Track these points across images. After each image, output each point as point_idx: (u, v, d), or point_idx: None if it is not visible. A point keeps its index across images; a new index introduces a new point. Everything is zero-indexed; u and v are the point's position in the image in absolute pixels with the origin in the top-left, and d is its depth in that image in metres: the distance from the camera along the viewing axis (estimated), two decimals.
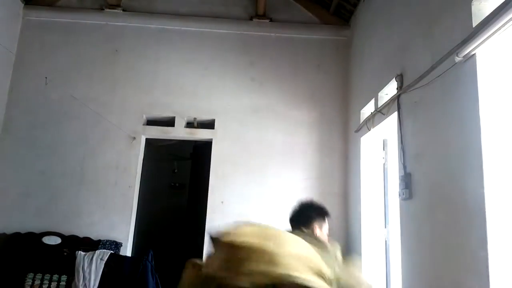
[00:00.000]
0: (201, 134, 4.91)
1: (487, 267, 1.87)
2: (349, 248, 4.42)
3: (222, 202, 4.65)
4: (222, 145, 4.82)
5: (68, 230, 4.35)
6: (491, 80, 2.08)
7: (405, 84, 2.98)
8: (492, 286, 1.85)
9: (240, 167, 4.73)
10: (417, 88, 2.76)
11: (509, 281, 1.86)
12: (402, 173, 2.91)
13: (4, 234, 4.26)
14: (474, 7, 2.16)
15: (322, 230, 2.12)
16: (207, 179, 4.75)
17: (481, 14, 2.11)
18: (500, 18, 1.86)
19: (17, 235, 4.14)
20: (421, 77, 2.69)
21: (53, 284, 2.20)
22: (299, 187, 4.70)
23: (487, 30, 1.95)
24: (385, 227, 3.70)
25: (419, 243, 2.66)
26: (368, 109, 3.99)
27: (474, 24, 2.12)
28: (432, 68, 2.54)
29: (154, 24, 5.10)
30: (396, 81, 3.12)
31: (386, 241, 3.65)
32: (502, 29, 1.90)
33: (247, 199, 4.67)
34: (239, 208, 4.62)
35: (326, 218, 2.21)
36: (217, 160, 4.76)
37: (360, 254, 3.97)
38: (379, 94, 3.59)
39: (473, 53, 2.12)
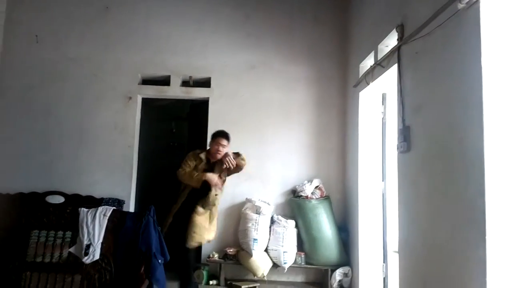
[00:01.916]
0: (198, 93, 4.85)
1: (484, 214, 1.90)
2: (347, 201, 4.52)
3: None
4: (219, 104, 4.78)
5: (70, 189, 4.41)
6: (495, 28, 2.02)
7: (406, 34, 2.90)
8: (488, 233, 1.89)
9: (238, 125, 4.71)
10: (418, 38, 2.69)
11: (505, 229, 1.90)
12: (401, 126, 2.90)
13: (8, 194, 4.31)
14: None
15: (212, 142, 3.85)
16: (205, 138, 4.74)
17: None
18: None
19: (20, 195, 4.19)
20: (423, 27, 2.61)
21: (58, 241, 2.24)
22: (296, 144, 4.72)
23: None
24: (383, 181, 3.75)
25: (416, 195, 2.70)
26: (367, 63, 3.92)
27: None
28: (434, 16, 2.46)
29: None
30: (397, 31, 3.03)
31: (383, 194, 3.71)
32: None
33: (246, 156, 4.68)
34: None
35: (214, 139, 3.85)
36: (214, 119, 4.73)
37: (357, 208, 4.05)
38: (379, 46, 3.51)
39: None
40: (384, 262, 3.61)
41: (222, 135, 3.84)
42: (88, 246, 2.19)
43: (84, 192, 4.41)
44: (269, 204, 4.43)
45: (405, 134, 2.82)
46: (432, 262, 2.43)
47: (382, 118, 3.77)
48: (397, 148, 2.97)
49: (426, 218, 2.54)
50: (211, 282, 4.20)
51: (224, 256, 4.35)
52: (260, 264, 4.18)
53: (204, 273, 4.28)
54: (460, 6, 2.15)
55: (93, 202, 4.17)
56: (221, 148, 3.79)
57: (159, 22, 4.86)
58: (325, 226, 4.26)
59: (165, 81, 4.85)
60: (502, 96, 1.97)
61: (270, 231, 4.34)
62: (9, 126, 4.65)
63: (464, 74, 2.17)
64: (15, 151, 4.59)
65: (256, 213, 4.30)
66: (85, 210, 2.34)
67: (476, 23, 2.05)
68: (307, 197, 4.37)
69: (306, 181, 4.54)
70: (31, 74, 4.72)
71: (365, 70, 3.86)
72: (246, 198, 4.54)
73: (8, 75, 4.70)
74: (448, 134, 2.31)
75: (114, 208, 2.37)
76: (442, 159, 2.36)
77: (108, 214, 2.36)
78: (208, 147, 4.00)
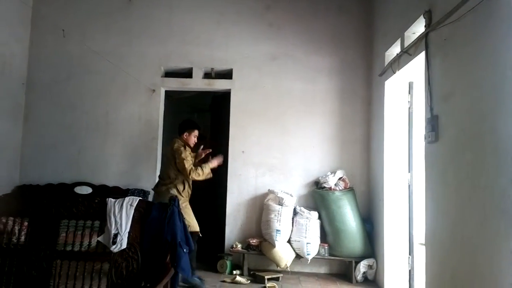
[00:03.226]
0: (219, 85, 4.86)
1: None
2: (371, 193, 4.45)
3: (243, 151, 4.69)
4: (241, 95, 4.78)
5: (97, 181, 4.53)
6: None
7: (434, 21, 2.81)
8: None
9: (260, 116, 4.71)
10: (446, 24, 2.60)
11: None
12: (429, 116, 2.82)
13: (37, 185, 4.48)
14: None
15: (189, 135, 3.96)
16: (227, 130, 4.76)
17: None
18: None
19: (50, 186, 4.34)
20: (451, 12, 2.52)
21: (87, 230, 2.30)
22: (319, 135, 4.67)
23: None
24: (409, 172, 3.67)
25: (445, 186, 2.63)
26: (393, 51, 3.82)
27: None
28: (464, 1, 2.37)
29: None
30: (424, 17, 2.94)
31: (409, 185, 3.64)
32: None
33: (268, 147, 4.69)
34: (259, 157, 4.66)
35: (190, 130, 3.96)
36: (236, 110, 4.74)
37: (382, 199, 3.99)
38: (406, 33, 3.42)
39: None
40: (410, 255, 3.55)
41: (197, 127, 4.03)
42: (115, 235, 2.23)
43: (111, 183, 4.52)
44: (291, 196, 4.41)
45: (433, 124, 2.74)
46: (460, 254, 2.38)
47: (409, 108, 3.67)
48: (425, 138, 2.90)
49: (455, 209, 2.47)
50: (234, 272, 4.24)
51: (247, 246, 4.38)
52: (283, 255, 4.18)
53: (228, 263, 4.32)
54: None
55: (119, 193, 4.29)
56: (196, 140, 4.03)
57: (182, 14, 4.88)
58: (349, 217, 4.21)
59: (187, 74, 4.88)
60: None
61: (293, 222, 4.33)
62: (37, 119, 4.79)
63: (496, 61, 2.09)
64: (43, 144, 4.74)
65: (279, 204, 4.29)
66: (112, 200, 2.39)
67: (509, 7, 1.98)
68: (330, 188, 4.33)
69: (329, 173, 4.50)
70: (58, 68, 4.84)
71: (391, 59, 3.77)
72: (269, 189, 4.54)
73: (36, 69, 4.84)
74: (478, 123, 2.23)
75: (140, 198, 2.41)
76: (472, 149, 2.28)
77: (135, 204, 2.39)
78: (182, 137, 3.96)
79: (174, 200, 2.38)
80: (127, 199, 2.44)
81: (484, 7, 2.19)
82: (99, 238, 2.25)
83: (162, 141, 4.82)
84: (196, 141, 4.01)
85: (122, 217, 2.25)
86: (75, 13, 4.91)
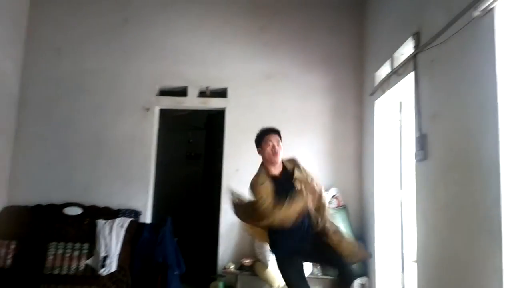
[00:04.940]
0: (214, 103, 4.89)
1: (500, 224, 1.88)
2: (364, 211, 4.45)
3: (237, 170, 4.68)
4: (236, 114, 4.80)
5: (88, 201, 4.48)
6: (509, 36, 1.99)
7: (422, 42, 2.88)
8: (504, 243, 1.86)
9: (254, 134, 4.70)
10: (434, 46, 2.66)
11: None
12: (418, 134, 2.86)
13: (26, 206, 4.42)
14: None
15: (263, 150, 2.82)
16: (221, 148, 4.77)
17: None
18: None
19: (38, 207, 4.26)
20: (438, 35, 2.59)
21: (76, 253, 2.29)
22: (313, 152, 4.69)
23: None
24: (400, 190, 3.69)
25: (434, 204, 2.65)
26: (383, 71, 3.89)
27: None
28: (449, 24, 2.44)
29: None
30: (413, 39, 3.01)
31: (401, 203, 3.65)
32: None
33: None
34: (253, 175, 4.65)
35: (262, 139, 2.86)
36: (231, 128, 4.76)
37: (374, 217, 3.99)
38: (395, 54, 3.49)
39: (491, 7, 2.02)
40: (402, 272, 3.54)
41: (271, 131, 2.86)
42: (105, 258, 2.22)
43: (101, 204, 4.47)
44: None
45: (422, 143, 2.78)
46: (450, 271, 2.40)
47: (399, 127, 3.72)
48: (415, 157, 2.93)
49: (444, 227, 2.49)
50: None
51: (241, 267, 4.34)
52: (276, 275, 4.15)
53: (220, 284, 4.27)
54: (475, 14, 2.13)
55: (110, 214, 4.21)
56: (276, 146, 2.77)
57: (177, 34, 4.94)
58: None
59: (182, 92, 4.91)
60: None
61: None
62: (28, 138, 4.76)
63: (479, 82, 2.14)
64: (33, 163, 4.69)
65: None
66: (103, 221, 2.38)
67: (491, 30, 2.04)
68: None
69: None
70: (52, 86, 4.86)
71: (381, 79, 3.83)
72: None
73: (29, 88, 4.85)
74: (465, 142, 2.27)
75: (132, 219, 2.39)
76: (460, 168, 2.32)
77: (126, 226, 2.39)
78: (261, 159, 2.90)
79: (166, 221, 2.38)
80: (117, 220, 2.44)
81: (468, 30, 2.25)
82: (88, 261, 2.23)
83: (155, 160, 4.82)
84: (274, 147, 2.78)
85: (112, 239, 2.25)
86: (71, 32, 4.95)
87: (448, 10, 2.48)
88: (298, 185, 2.57)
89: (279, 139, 2.80)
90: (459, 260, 2.28)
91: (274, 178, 2.67)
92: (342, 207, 4.40)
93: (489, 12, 2.04)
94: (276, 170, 2.74)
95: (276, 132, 2.82)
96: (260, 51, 4.88)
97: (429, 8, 2.83)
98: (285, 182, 2.64)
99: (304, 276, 2.86)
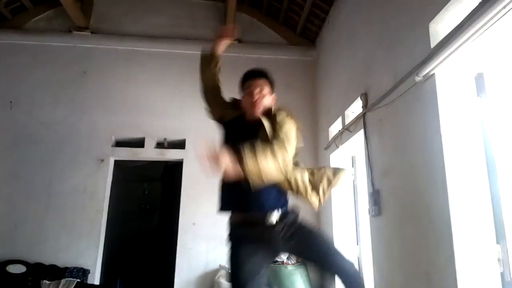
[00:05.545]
0: (172, 155, 4.85)
1: (455, 281, 1.91)
2: None
3: (193, 223, 4.57)
4: (193, 165, 4.74)
5: (33, 258, 4.17)
6: (450, 98, 2.17)
7: (370, 102, 3.07)
8: None
9: (212, 187, 4.63)
10: (381, 106, 2.84)
11: None
12: (371, 190, 2.95)
13: None
14: (432, 29, 2.26)
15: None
16: (178, 200, 4.66)
17: (438, 35, 2.22)
18: (456, 39, 1.96)
19: None
20: (384, 96, 2.78)
21: None
22: None
23: (445, 50, 2.04)
24: (357, 244, 3.73)
25: (390, 260, 2.68)
26: (335, 127, 4.06)
27: (432, 45, 2.22)
28: (394, 87, 2.63)
29: (122, 46, 5.06)
30: (361, 99, 3.20)
31: (358, 258, 3.67)
32: (459, 49, 1.99)
33: (220, 219, 4.56)
34: (211, 230, 4.54)
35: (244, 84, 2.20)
36: (188, 180, 4.69)
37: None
38: (346, 112, 3.68)
39: (432, 73, 2.21)
40: None
41: (254, 75, 2.18)
42: None
43: (47, 261, 4.16)
44: None
45: (375, 198, 2.87)
46: None
47: (353, 181, 3.83)
48: (369, 212, 3.00)
49: (400, 284, 2.51)
50: None
51: None
52: None
53: None
54: (418, 79, 2.32)
55: (56, 272, 3.95)
56: (254, 94, 2.08)
57: (137, 86, 4.95)
58: None
59: (139, 143, 4.84)
60: (462, 160, 2.06)
61: None
62: None
63: (426, 142, 2.28)
64: None
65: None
66: (47, 283, 2.20)
67: (433, 93, 2.21)
68: (283, 262, 4.26)
69: None
70: (3, 136, 4.63)
71: (334, 134, 4.00)
72: (220, 265, 4.37)
73: None
74: (415, 199, 2.36)
75: (78, 280, 2.22)
76: (412, 224, 2.39)
77: (72, 287, 2.21)
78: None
79: (116, 281, 2.23)
80: (63, 281, 2.27)
81: (412, 92, 2.43)
82: None
83: (107, 214, 4.60)
84: (253, 94, 2.09)
85: None
86: (26, 83, 4.81)
87: (393, 74, 2.69)
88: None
89: (266, 84, 2.13)
90: None
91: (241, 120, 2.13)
92: (301, 263, 4.34)
93: (430, 77, 2.23)
94: (251, 116, 2.09)
95: (261, 75, 2.17)
96: None
97: (375, 71, 3.05)
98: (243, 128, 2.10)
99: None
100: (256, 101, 2.07)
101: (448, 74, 2.20)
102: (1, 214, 4.39)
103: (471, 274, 1.92)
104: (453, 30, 2.05)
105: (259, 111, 2.07)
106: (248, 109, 2.10)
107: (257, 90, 2.09)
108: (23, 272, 4.05)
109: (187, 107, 4.94)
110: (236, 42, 5.17)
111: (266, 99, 2.11)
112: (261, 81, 2.14)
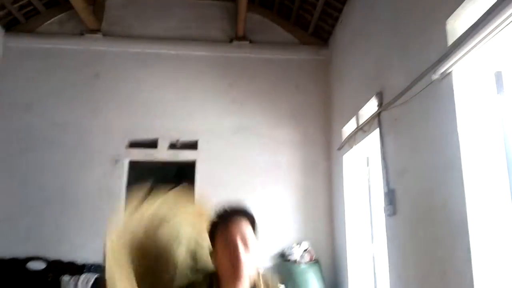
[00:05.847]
0: (185, 155, 4.88)
1: (472, 281, 1.89)
2: (336, 265, 4.41)
3: None
4: (206, 166, 4.79)
5: (52, 255, 4.25)
6: (468, 97, 2.14)
7: (385, 101, 3.05)
8: None
9: (224, 187, 4.69)
10: (396, 105, 2.83)
11: None
12: (386, 190, 2.94)
13: None
14: (449, 26, 2.24)
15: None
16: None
17: (456, 33, 2.19)
18: (474, 36, 1.94)
19: (0, 262, 4.04)
20: (400, 95, 2.76)
21: None
22: (284, 206, 4.70)
23: (462, 48, 2.02)
24: (372, 243, 3.71)
25: (405, 258, 2.67)
26: (349, 127, 4.05)
27: (449, 43, 2.20)
28: (410, 86, 2.61)
29: (134, 48, 5.11)
30: (376, 98, 3.18)
31: (373, 257, 3.66)
32: (477, 47, 1.96)
33: None
34: None
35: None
36: (201, 181, 4.72)
37: (346, 272, 3.95)
38: (360, 112, 3.66)
39: (449, 71, 2.19)
40: None
41: (236, 214, 1.42)
42: None
43: (66, 258, 4.24)
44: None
45: (390, 197, 2.85)
46: None
47: (368, 181, 3.82)
48: (384, 211, 2.99)
49: (416, 283, 2.49)
50: None
51: None
52: None
53: None
54: (434, 77, 2.30)
55: (75, 269, 4.04)
56: (239, 245, 1.29)
57: (149, 89, 5.00)
58: None
59: (152, 144, 4.88)
60: (479, 158, 2.04)
61: None
62: None
63: (442, 141, 2.25)
64: None
65: None
66: (67, 278, 2.24)
67: (450, 92, 2.18)
68: (296, 261, 4.26)
69: (294, 244, 4.46)
70: (18, 139, 4.71)
71: (348, 134, 3.98)
72: None
73: None
74: (431, 199, 2.34)
75: (98, 275, 2.25)
76: (428, 224, 2.37)
77: (91, 282, 2.25)
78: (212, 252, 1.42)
79: None
80: (82, 277, 2.30)
81: (428, 91, 2.41)
82: None
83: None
84: (239, 253, 1.29)
85: None
86: (41, 86, 4.89)
87: (409, 72, 2.66)
88: None
89: (252, 229, 1.38)
90: None
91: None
92: (315, 262, 4.34)
93: (447, 76, 2.21)
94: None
95: (245, 215, 1.43)
96: (229, 106, 5.00)
97: (391, 69, 3.03)
98: None
99: None
100: (240, 262, 1.24)
101: (466, 73, 2.17)
102: (21, 214, 4.48)
103: (487, 274, 1.90)
104: (471, 27, 2.02)
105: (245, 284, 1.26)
106: (226, 280, 1.27)
107: (241, 241, 1.27)
108: (43, 269, 4.15)
109: (198, 109, 4.98)
110: (248, 42, 5.20)
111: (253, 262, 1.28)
112: (245, 224, 1.35)
